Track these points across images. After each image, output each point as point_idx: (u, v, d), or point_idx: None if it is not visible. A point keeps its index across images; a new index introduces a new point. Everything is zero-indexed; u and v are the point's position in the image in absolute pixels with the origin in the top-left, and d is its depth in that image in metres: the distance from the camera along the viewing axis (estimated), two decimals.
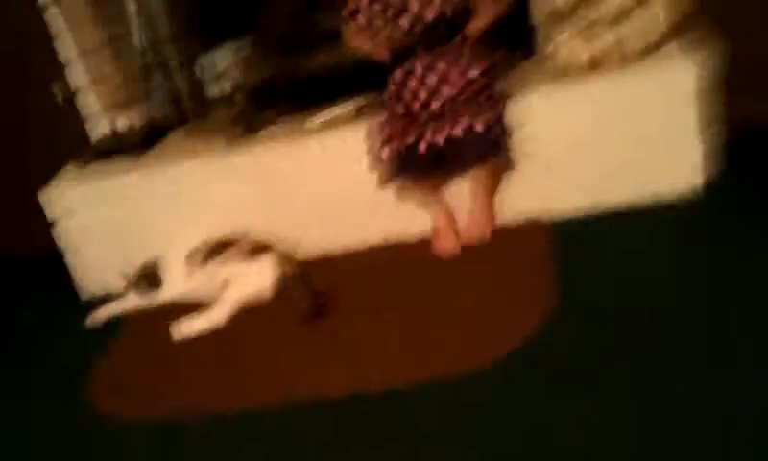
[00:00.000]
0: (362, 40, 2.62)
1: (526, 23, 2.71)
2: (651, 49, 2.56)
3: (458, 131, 2.40)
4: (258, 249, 2.67)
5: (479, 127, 2.39)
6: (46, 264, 3.04)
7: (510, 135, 2.48)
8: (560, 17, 2.62)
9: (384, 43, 2.57)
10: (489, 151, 2.45)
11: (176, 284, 2.71)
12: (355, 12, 2.60)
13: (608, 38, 2.57)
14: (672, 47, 2.53)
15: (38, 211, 2.94)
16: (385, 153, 2.48)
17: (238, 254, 2.66)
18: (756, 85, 2.56)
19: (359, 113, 2.74)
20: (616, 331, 2.03)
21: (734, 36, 2.47)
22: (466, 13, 2.53)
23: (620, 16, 2.56)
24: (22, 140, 3.20)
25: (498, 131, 2.45)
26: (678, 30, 2.57)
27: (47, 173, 3.01)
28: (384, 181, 2.54)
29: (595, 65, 2.58)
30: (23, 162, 3.15)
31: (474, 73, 2.50)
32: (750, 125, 2.59)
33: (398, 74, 2.56)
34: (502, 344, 2.08)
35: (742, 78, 2.48)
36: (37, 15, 2.96)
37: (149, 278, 2.75)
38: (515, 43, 2.74)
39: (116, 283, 2.81)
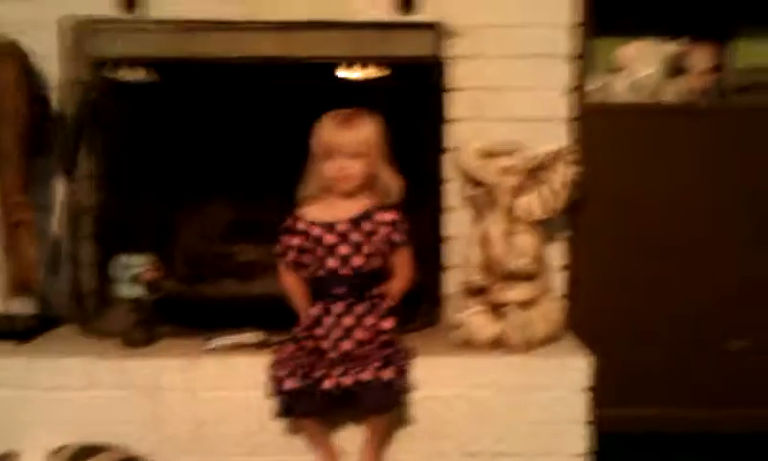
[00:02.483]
0: (292, 284, 2.69)
1: (431, 294, 2.93)
2: (550, 339, 2.76)
3: (366, 375, 2.43)
4: None
5: (387, 375, 2.44)
6: None
7: (407, 392, 2.56)
8: (473, 293, 2.77)
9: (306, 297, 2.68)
10: (392, 401, 2.49)
11: None
12: (285, 251, 2.66)
13: (515, 320, 2.71)
14: (567, 341, 2.76)
15: None
16: (288, 384, 2.46)
17: None
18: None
19: (261, 345, 2.73)
20: None
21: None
22: (385, 272, 2.68)
23: (528, 303, 2.73)
24: None
25: (402, 384, 2.52)
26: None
27: None
28: (281, 412, 2.52)
29: (499, 344, 2.70)
30: None
31: (387, 325, 2.62)
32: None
33: (316, 310, 2.62)
34: None
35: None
36: None
37: None
38: (416, 312, 2.91)
39: None
